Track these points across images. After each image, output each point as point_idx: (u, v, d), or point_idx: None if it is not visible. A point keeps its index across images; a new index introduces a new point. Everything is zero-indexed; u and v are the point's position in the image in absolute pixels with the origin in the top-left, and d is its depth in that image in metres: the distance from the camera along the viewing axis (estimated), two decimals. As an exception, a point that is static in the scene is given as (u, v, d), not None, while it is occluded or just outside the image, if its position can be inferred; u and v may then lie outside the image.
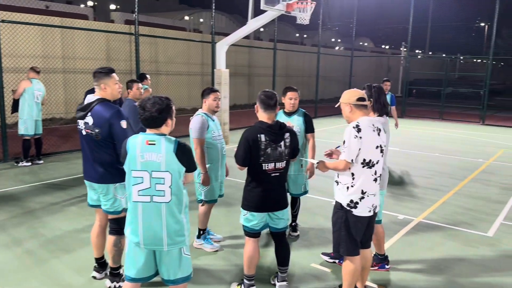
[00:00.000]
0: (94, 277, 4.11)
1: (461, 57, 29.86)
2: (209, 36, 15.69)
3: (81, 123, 3.71)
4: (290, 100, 4.92)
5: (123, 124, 3.62)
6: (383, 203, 4.20)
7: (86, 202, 6.30)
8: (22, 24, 10.15)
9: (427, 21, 40.29)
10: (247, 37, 14.24)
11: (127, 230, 3.00)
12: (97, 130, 3.61)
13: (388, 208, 6.27)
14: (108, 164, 3.70)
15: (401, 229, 5.59)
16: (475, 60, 41.78)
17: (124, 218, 3.82)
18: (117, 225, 3.85)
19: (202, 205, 4.76)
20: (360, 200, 3.42)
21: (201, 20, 35.98)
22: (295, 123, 4.92)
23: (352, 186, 3.42)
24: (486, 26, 50.66)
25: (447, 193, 7.35)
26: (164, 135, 2.91)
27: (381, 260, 4.43)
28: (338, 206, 3.52)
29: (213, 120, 4.66)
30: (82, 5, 29.34)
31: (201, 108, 4.71)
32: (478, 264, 4.67)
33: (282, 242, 3.89)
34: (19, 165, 8.38)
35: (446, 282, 4.26)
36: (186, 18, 34.41)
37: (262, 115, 3.66)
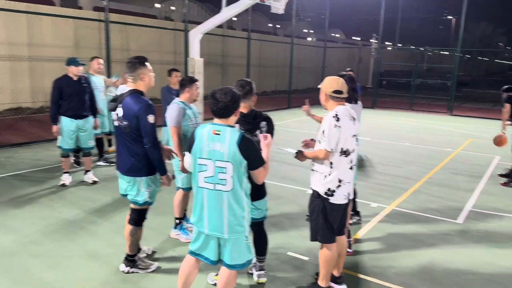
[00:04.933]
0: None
1: (429, 49, 30.51)
2: (181, 24, 15.42)
3: (113, 114, 3.73)
4: None
5: (150, 119, 3.64)
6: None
7: (54, 194, 6.15)
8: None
9: (397, 13, 40.90)
10: (220, 26, 14.07)
11: (193, 217, 3.14)
12: (125, 123, 3.66)
13: (361, 197, 6.36)
14: (137, 157, 3.74)
15: (374, 217, 5.70)
16: (442, 52, 42.79)
17: (144, 211, 3.93)
18: (136, 215, 3.94)
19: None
20: (337, 188, 3.45)
21: (173, 8, 35.34)
22: None
23: (329, 175, 3.44)
24: (453, 19, 51.95)
25: (418, 181, 7.53)
26: (231, 126, 3.02)
27: None
28: (315, 195, 3.54)
29: (191, 108, 4.61)
30: (48, -9, 28.23)
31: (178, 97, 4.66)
32: (449, 250, 4.81)
33: (260, 231, 3.90)
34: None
35: (419, 268, 4.37)
36: (157, 5, 33.72)
37: None
